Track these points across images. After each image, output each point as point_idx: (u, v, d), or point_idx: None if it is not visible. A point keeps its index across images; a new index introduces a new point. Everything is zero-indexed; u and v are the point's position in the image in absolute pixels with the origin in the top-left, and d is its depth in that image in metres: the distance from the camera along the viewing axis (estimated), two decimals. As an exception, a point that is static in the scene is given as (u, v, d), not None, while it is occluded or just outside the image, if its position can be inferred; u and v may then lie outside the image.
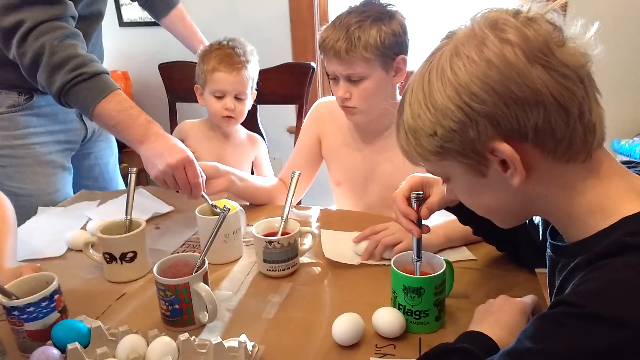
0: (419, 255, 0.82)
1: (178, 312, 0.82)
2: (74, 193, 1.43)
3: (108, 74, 1.15)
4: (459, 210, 0.90)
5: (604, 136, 0.59)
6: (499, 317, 0.73)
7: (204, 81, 1.38)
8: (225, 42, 1.37)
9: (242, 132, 1.49)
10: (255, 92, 1.44)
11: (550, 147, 0.57)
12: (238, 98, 1.38)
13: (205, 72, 1.36)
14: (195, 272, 0.83)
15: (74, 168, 1.47)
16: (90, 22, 1.33)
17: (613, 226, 0.57)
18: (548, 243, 0.69)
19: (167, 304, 0.82)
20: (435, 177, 0.86)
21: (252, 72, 1.38)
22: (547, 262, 0.71)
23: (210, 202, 1.06)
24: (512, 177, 0.59)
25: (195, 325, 0.83)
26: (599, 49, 0.56)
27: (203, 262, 0.85)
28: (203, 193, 1.09)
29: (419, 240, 0.82)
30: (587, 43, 0.57)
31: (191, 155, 1.09)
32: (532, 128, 0.56)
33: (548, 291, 0.72)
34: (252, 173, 1.54)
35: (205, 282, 0.84)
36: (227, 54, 1.34)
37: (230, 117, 1.38)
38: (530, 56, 0.55)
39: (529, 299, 0.77)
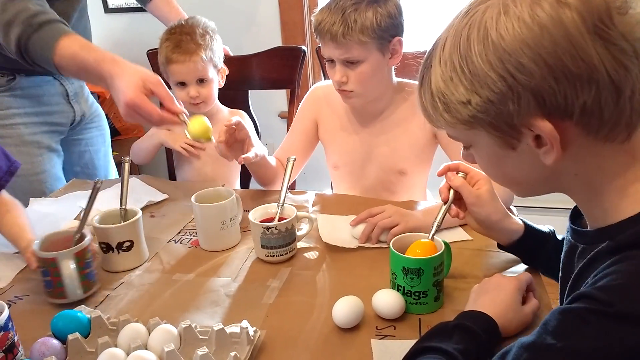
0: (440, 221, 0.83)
1: (50, 284, 0.86)
2: (66, 179, 1.41)
3: (62, 22, 1.08)
4: (518, 251, 0.88)
5: None
6: (495, 295, 0.73)
7: (165, 73, 1.36)
8: (175, 29, 1.32)
9: (224, 110, 1.47)
10: (225, 69, 1.40)
11: (594, 127, 0.52)
12: (201, 82, 1.34)
13: (162, 64, 1.34)
14: (65, 249, 0.85)
15: (65, 154, 1.45)
16: (70, 2, 1.30)
17: (638, 215, 0.54)
18: (568, 226, 0.67)
19: (41, 274, 0.86)
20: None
21: (210, 53, 1.32)
22: (564, 246, 0.69)
23: (187, 120, 1.03)
24: (546, 155, 0.54)
25: (67, 300, 0.85)
26: None
27: (80, 240, 0.87)
28: (183, 116, 1.03)
29: (445, 208, 0.84)
30: None
31: (134, 97, 0.97)
32: (579, 107, 0.50)
33: (560, 274, 0.71)
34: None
35: (82, 259, 0.86)
36: (177, 43, 1.30)
37: (198, 102, 1.35)
38: (589, 25, 0.48)
39: (523, 276, 0.77)
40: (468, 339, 0.65)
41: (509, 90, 0.51)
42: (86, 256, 0.87)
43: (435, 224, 0.83)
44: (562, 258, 0.70)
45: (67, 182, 1.41)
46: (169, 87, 1.42)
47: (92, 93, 1.56)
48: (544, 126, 0.51)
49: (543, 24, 0.49)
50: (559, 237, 0.85)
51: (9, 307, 0.72)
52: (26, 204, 1.25)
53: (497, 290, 0.74)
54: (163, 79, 1.45)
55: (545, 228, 0.87)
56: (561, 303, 0.71)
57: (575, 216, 0.66)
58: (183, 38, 1.31)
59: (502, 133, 0.55)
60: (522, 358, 0.51)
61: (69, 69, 1.06)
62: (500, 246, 0.89)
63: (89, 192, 0.91)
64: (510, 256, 0.92)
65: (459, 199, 0.84)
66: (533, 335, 0.52)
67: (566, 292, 0.65)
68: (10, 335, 0.72)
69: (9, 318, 0.72)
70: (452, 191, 0.83)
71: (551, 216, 2.15)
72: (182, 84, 1.34)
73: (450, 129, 0.60)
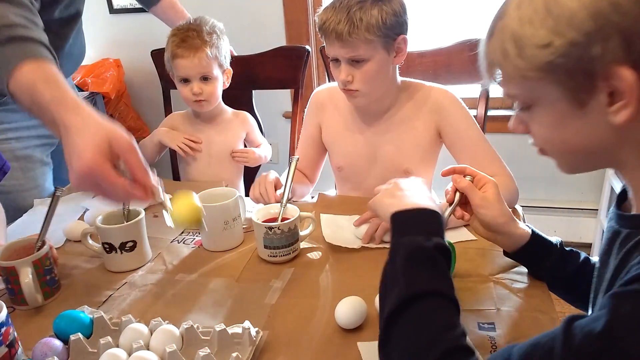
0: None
1: (12, 292, 0.88)
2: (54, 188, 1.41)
3: (40, 43, 0.87)
4: (523, 258, 0.86)
5: None
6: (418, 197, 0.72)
7: (170, 70, 1.37)
8: (183, 26, 1.35)
9: (228, 112, 1.47)
10: (230, 70, 1.41)
11: None
12: (205, 79, 1.35)
13: (168, 60, 1.35)
14: (24, 258, 0.86)
15: (55, 163, 1.43)
16: (68, 22, 1.29)
17: None
18: (613, 213, 0.63)
19: (3, 282, 0.88)
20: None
21: (215, 51, 1.34)
22: (605, 235, 0.66)
23: (165, 200, 0.82)
24: (618, 113, 0.51)
25: (29, 306, 0.87)
26: None
27: (39, 248, 0.89)
28: (159, 193, 0.79)
29: (450, 210, 0.82)
30: None
31: (92, 165, 0.71)
32: None
33: (597, 264, 0.68)
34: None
35: (41, 266, 0.88)
36: (183, 39, 1.32)
37: (200, 100, 1.35)
38: None
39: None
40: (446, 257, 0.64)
41: (598, 31, 0.48)
42: (45, 263, 0.89)
43: None
44: (601, 247, 0.67)
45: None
46: (174, 86, 1.43)
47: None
48: (626, 76, 0.49)
49: None
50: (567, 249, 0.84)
51: (13, 309, 0.73)
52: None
53: (414, 193, 0.74)
54: (169, 77, 1.46)
55: (553, 239, 0.85)
56: (593, 301, 0.69)
57: (620, 202, 0.63)
58: (190, 34, 1.32)
59: (575, 84, 0.52)
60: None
61: (23, 100, 0.82)
62: (505, 253, 0.87)
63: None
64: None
65: (464, 203, 0.82)
66: (602, 319, 0.46)
67: (605, 282, 0.61)
68: (11, 330, 0.72)
69: (7, 314, 0.72)
70: (457, 193, 0.82)
71: (554, 216, 2.13)
72: (186, 81, 1.35)
73: (514, 83, 0.57)
